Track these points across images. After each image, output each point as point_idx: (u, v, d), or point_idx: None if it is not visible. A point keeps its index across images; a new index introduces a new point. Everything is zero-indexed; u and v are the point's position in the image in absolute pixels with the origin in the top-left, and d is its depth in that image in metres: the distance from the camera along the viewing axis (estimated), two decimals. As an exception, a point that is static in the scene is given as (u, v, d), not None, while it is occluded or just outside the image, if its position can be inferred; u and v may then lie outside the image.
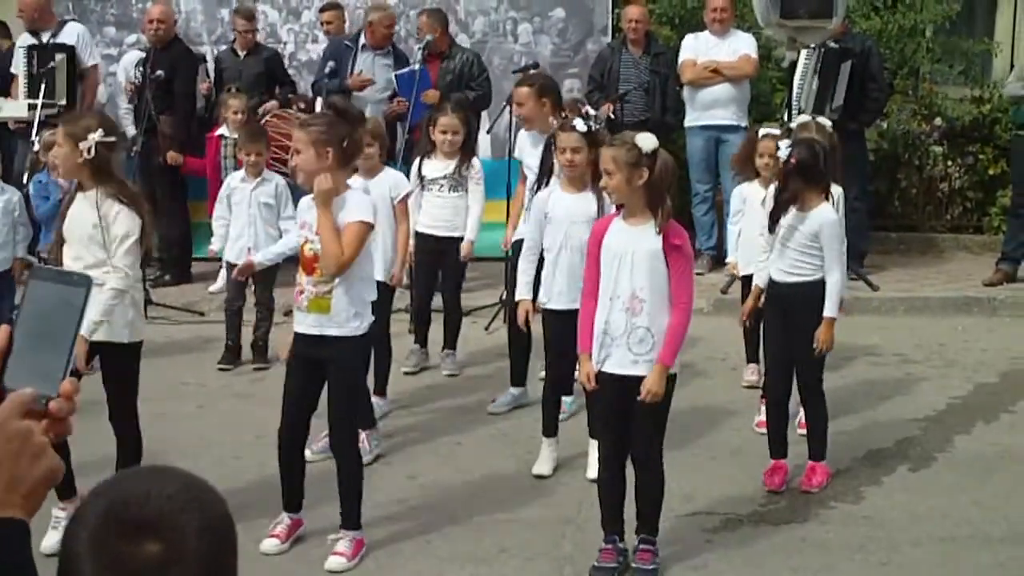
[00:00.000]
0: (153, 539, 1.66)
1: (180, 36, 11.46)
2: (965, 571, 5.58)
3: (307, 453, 5.89)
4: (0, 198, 8.13)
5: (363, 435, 6.60)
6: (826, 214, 6.29)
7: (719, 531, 5.97)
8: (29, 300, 1.78)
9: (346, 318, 5.48)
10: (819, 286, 6.29)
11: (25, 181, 9.35)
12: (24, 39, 10.85)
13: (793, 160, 6.26)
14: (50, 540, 5.30)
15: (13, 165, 9.88)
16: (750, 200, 7.58)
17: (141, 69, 10.76)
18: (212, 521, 1.72)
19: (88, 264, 5.43)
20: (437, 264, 8.23)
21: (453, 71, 10.53)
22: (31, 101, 10.24)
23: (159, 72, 10.58)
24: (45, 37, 10.83)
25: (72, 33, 11.01)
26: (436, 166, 8.12)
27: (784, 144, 6.37)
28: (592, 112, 7.16)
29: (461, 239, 8.21)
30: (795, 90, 10.01)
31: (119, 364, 5.68)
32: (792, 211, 6.30)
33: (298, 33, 12.35)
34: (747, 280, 7.37)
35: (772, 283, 6.48)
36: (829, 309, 6.30)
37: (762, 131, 7.80)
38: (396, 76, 10.45)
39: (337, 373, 5.54)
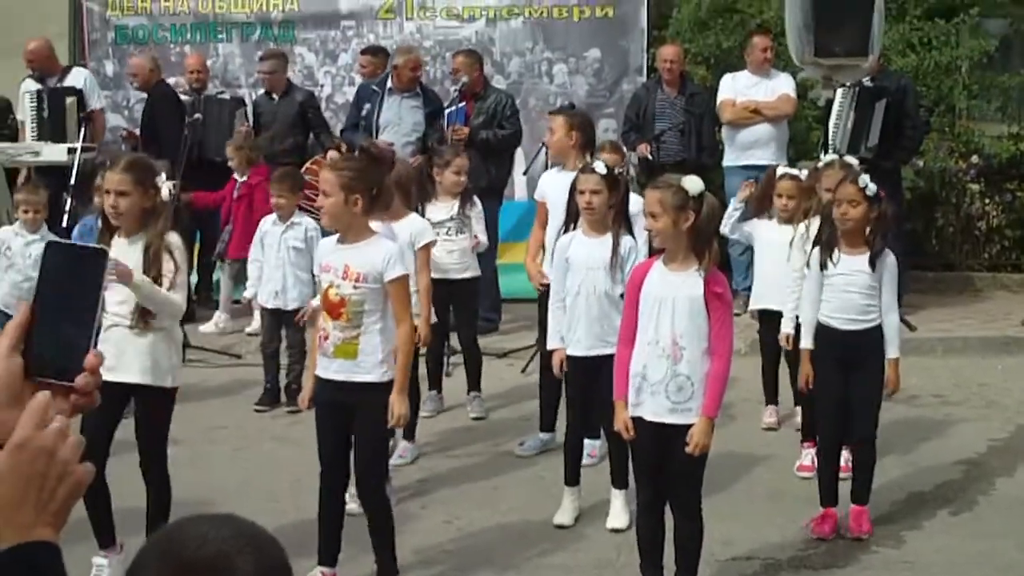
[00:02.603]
0: None
1: (211, 81, 11.83)
2: (1009, 617, 5.52)
3: (347, 497, 5.84)
4: (33, 246, 8.12)
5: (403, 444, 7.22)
6: (889, 254, 6.26)
7: (759, 576, 5.92)
8: (47, 276, 1.76)
9: (373, 364, 5.45)
10: (880, 329, 6.28)
11: (64, 224, 9.44)
12: (27, 85, 11.04)
13: (883, 194, 6.23)
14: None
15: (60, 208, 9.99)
16: (765, 238, 7.69)
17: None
18: (268, 566, 1.72)
19: (133, 307, 5.44)
20: (448, 308, 8.16)
21: (486, 111, 10.56)
22: (71, 145, 10.39)
23: (197, 115, 10.72)
24: (52, 83, 11.01)
25: (79, 77, 11.23)
26: (440, 209, 8.10)
27: (866, 178, 6.25)
28: (634, 157, 7.11)
29: (472, 280, 8.24)
30: (831, 129, 10.00)
31: (158, 409, 5.64)
32: (842, 254, 6.25)
33: (335, 76, 12.45)
34: (764, 315, 7.77)
35: (829, 330, 6.35)
36: (895, 350, 6.34)
37: (780, 170, 7.84)
38: (447, 114, 10.52)
39: (364, 420, 5.49)
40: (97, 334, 1.76)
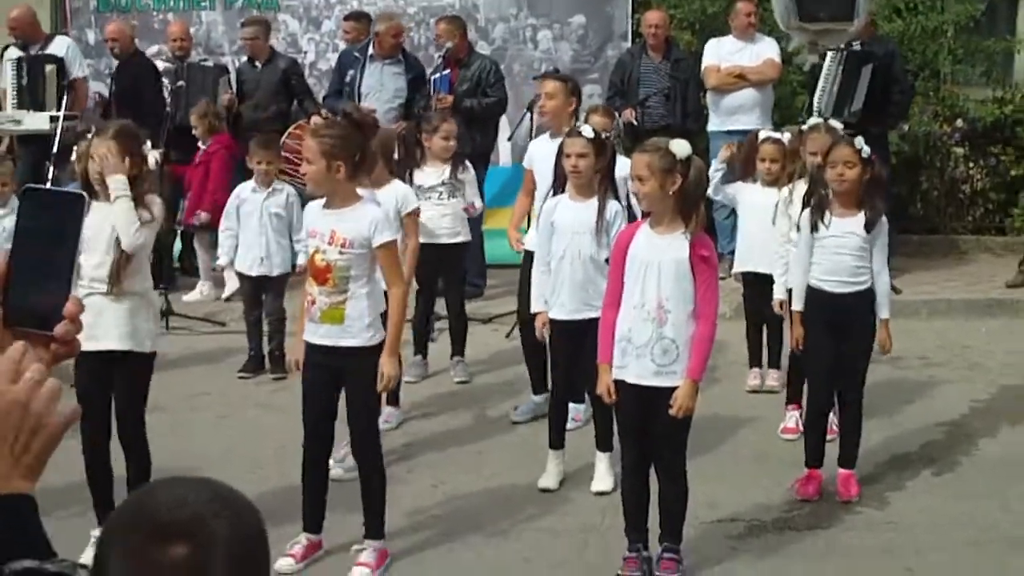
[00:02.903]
0: (182, 542, 1.65)
1: (194, 48, 11.82)
2: (991, 576, 5.55)
3: (331, 463, 5.86)
4: (6, 220, 8.04)
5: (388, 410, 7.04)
6: (882, 216, 6.27)
7: (743, 538, 5.94)
8: (24, 224, 1.74)
9: (360, 328, 5.44)
10: (870, 292, 6.29)
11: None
12: (10, 53, 11.00)
13: (874, 157, 6.24)
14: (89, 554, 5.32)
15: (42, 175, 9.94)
16: (748, 201, 7.69)
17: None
18: (244, 532, 1.71)
19: (108, 271, 5.46)
20: (437, 273, 8.16)
21: (470, 78, 10.51)
22: (53, 114, 10.34)
23: (180, 83, 10.69)
24: (34, 51, 10.97)
25: (61, 46, 11.18)
26: (430, 174, 8.06)
27: (861, 140, 6.26)
28: (619, 122, 7.09)
29: (462, 245, 8.24)
30: (817, 92, 9.98)
31: (137, 374, 5.64)
32: (833, 216, 6.24)
33: (319, 43, 12.38)
34: (749, 278, 7.84)
35: (820, 293, 6.34)
36: (886, 311, 6.36)
37: (762, 134, 7.84)
38: (432, 80, 10.48)
39: (355, 384, 5.51)
40: (76, 281, 1.74)
